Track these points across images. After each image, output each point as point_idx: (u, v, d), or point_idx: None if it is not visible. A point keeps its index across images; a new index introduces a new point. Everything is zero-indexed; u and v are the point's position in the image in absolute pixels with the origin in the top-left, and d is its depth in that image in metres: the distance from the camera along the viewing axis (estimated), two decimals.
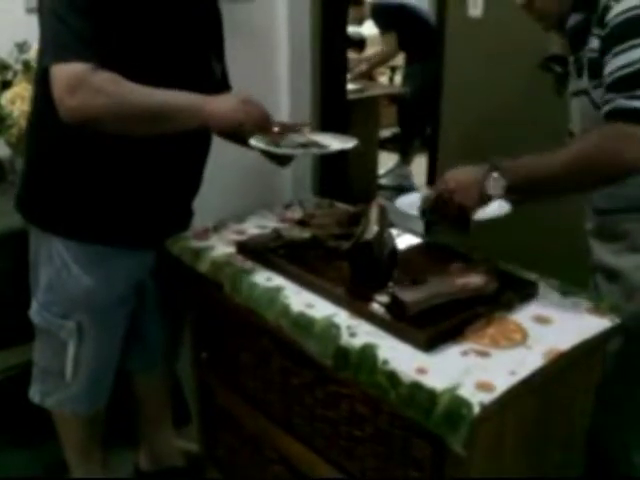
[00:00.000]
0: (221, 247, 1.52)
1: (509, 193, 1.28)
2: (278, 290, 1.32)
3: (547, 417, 1.19)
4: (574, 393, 1.26)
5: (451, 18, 2.71)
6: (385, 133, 5.22)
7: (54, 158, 1.49)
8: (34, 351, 1.63)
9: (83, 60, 1.32)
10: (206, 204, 1.74)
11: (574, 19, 1.36)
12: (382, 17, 4.61)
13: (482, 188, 1.28)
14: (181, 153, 1.55)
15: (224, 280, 1.41)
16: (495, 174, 1.27)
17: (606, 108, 1.24)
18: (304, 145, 1.50)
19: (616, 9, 1.24)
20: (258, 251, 1.45)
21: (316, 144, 1.52)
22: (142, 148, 1.45)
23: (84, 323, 1.55)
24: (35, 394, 1.64)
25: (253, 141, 1.45)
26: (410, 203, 1.49)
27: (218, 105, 1.42)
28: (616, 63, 1.23)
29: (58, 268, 1.52)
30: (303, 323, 1.23)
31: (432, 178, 3.08)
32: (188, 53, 1.51)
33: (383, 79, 5.90)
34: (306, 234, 1.51)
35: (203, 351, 1.63)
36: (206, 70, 1.58)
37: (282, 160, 1.57)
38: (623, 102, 1.21)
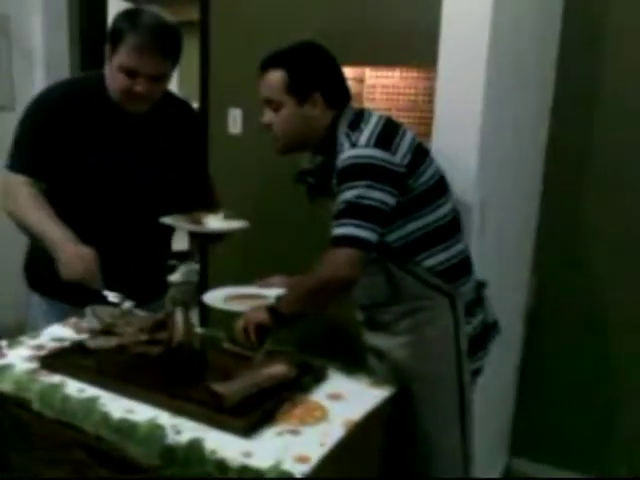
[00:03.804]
0: (21, 364, 1.50)
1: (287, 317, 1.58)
2: (94, 400, 1.36)
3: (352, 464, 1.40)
4: (368, 443, 1.48)
5: (214, 135, 2.99)
6: None
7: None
8: None
9: (16, 170, 1.80)
10: None
11: (318, 159, 1.71)
12: None
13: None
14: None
15: (32, 397, 1.40)
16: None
17: (329, 235, 1.56)
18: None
19: (341, 156, 1.59)
20: (65, 364, 1.47)
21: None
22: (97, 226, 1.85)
23: None
24: None
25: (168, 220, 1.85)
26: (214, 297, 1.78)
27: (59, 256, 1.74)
28: (337, 200, 1.57)
29: (35, 317, 1.98)
30: (126, 428, 1.29)
31: None
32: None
33: None
34: (112, 342, 1.57)
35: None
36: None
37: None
38: (335, 230, 1.54)
